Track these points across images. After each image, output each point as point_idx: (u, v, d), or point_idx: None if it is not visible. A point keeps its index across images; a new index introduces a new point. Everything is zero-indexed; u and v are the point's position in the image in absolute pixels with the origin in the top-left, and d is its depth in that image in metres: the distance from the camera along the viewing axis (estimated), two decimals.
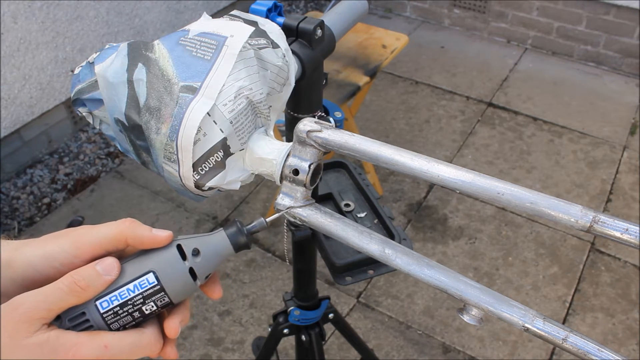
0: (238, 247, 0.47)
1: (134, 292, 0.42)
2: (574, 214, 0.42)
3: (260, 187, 2.33)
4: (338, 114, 0.85)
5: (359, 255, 0.87)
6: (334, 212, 0.52)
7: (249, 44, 0.54)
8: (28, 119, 2.29)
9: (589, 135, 2.58)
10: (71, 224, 2.01)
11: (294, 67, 0.60)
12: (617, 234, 0.40)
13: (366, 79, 1.95)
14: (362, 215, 0.94)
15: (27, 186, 2.31)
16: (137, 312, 0.42)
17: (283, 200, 0.52)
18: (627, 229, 0.40)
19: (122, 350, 0.41)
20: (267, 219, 0.49)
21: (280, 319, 1.15)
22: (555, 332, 0.42)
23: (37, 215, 2.21)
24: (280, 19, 0.65)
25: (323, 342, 1.17)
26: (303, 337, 1.14)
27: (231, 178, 0.55)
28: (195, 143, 0.51)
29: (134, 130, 0.54)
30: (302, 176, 0.51)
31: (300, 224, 0.57)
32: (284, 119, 0.79)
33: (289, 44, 0.63)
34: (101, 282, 0.41)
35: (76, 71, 0.61)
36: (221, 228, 0.47)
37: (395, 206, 2.25)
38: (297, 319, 1.11)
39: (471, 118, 2.69)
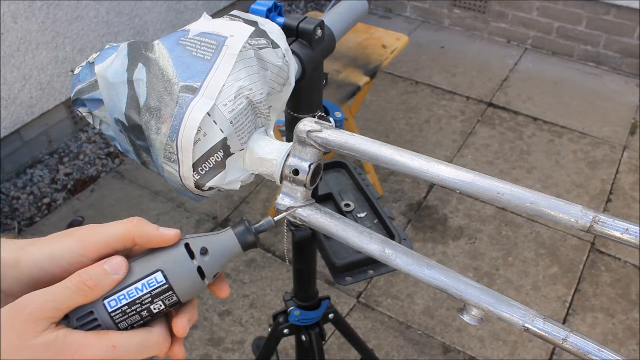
0: (246, 246, 0.46)
1: (142, 290, 0.42)
2: (574, 214, 0.42)
3: (260, 187, 2.33)
4: (338, 114, 0.85)
5: (359, 255, 0.87)
6: (334, 212, 0.52)
7: (249, 44, 0.54)
8: (28, 119, 2.29)
9: (589, 135, 2.58)
10: (71, 224, 2.01)
11: (294, 67, 0.60)
12: (617, 234, 0.40)
13: (366, 79, 1.95)
14: (362, 215, 0.94)
15: (27, 186, 2.31)
16: (145, 311, 0.42)
17: (283, 200, 0.52)
18: (627, 229, 0.40)
19: (130, 350, 0.41)
20: (275, 218, 0.49)
21: (280, 319, 1.15)
22: (555, 332, 0.42)
23: (37, 215, 2.21)
24: (280, 19, 0.65)
25: (323, 342, 1.17)
26: (303, 337, 1.14)
27: (231, 178, 0.55)
28: (195, 143, 0.51)
29: (134, 130, 0.54)
30: (302, 176, 0.51)
31: (300, 224, 0.57)
32: (284, 119, 0.79)
33: (289, 44, 0.63)
34: (109, 281, 0.41)
35: (76, 71, 0.61)
36: (229, 227, 0.47)
37: (395, 206, 2.25)
38: (297, 319, 1.11)
39: (471, 118, 2.69)
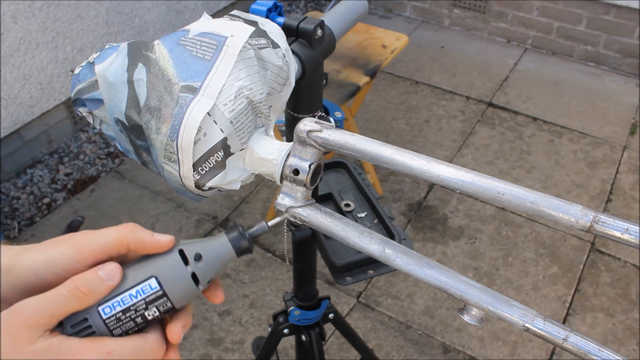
0: (240, 252, 0.46)
1: (136, 297, 0.42)
2: (574, 214, 0.42)
3: (260, 187, 2.33)
4: (338, 114, 0.85)
5: (359, 255, 0.87)
6: (334, 212, 0.52)
7: (249, 44, 0.54)
8: (28, 119, 2.29)
9: (589, 135, 2.59)
10: (71, 224, 2.00)
11: (294, 67, 0.60)
12: (617, 234, 0.40)
13: (366, 79, 1.95)
14: (362, 215, 0.94)
15: (27, 186, 2.31)
16: (140, 318, 0.42)
17: (283, 200, 0.52)
18: (627, 229, 0.40)
19: (125, 357, 0.41)
20: (269, 223, 0.49)
21: (280, 319, 1.15)
22: (555, 332, 0.42)
23: (37, 215, 2.21)
24: (280, 19, 0.65)
25: (323, 342, 1.17)
26: (303, 337, 1.14)
27: (231, 178, 0.55)
28: (195, 143, 0.51)
29: (134, 130, 0.54)
30: (302, 176, 0.51)
31: (300, 224, 0.57)
32: (284, 119, 0.79)
33: (289, 44, 0.63)
34: (103, 288, 0.41)
35: (76, 71, 0.61)
36: (223, 232, 0.47)
37: (395, 206, 2.25)
38: (297, 319, 1.11)
39: (471, 118, 2.69)
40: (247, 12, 0.62)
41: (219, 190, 0.56)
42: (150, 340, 0.42)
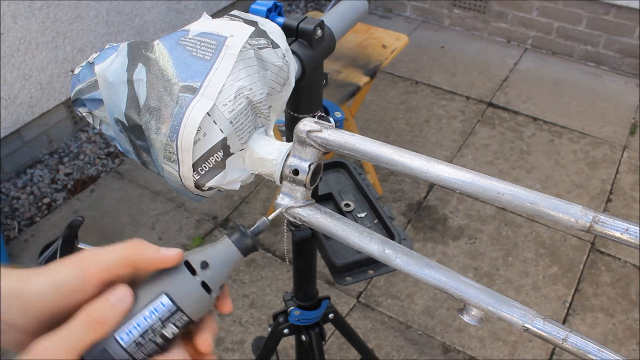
0: (246, 251, 0.46)
1: (151, 318, 0.41)
2: (574, 214, 0.42)
3: (260, 187, 2.33)
4: (338, 114, 0.85)
5: (359, 255, 0.87)
6: (334, 212, 0.52)
7: (249, 44, 0.54)
8: (28, 119, 2.29)
9: (589, 135, 2.58)
10: (71, 224, 2.00)
11: (294, 67, 0.60)
12: (617, 234, 0.40)
13: (366, 79, 1.95)
14: (362, 215, 0.94)
15: (27, 186, 2.31)
16: (160, 338, 0.41)
17: (283, 200, 0.52)
18: (627, 229, 0.40)
19: None
20: (269, 217, 0.49)
21: (280, 319, 1.15)
22: (555, 332, 0.42)
23: (37, 215, 2.21)
24: (280, 19, 0.65)
25: (323, 342, 1.17)
26: (303, 337, 1.14)
27: (231, 178, 0.55)
28: (195, 143, 0.51)
29: (134, 130, 0.54)
30: (302, 176, 0.51)
31: (300, 224, 0.57)
32: (284, 119, 0.79)
33: (289, 44, 0.63)
34: (117, 313, 0.40)
35: (76, 71, 0.61)
36: (225, 236, 0.46)
37: (395, 206, 2.25)
38: (297, 319, 1.11)
39: (471, 118, 2.69)
40: (247, 12, 0.62)
41: (218, 190, 0.56)
42: (173, 356, 0.41)
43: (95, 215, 2.18)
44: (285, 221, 0.88)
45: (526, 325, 0.43)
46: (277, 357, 1.35)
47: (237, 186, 0.56)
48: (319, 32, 0.66)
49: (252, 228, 0.47)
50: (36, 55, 2.21)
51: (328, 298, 1.13)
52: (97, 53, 0.59)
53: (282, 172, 0.52)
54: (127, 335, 0.40)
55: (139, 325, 0.41)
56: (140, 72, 0.53)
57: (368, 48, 2.11)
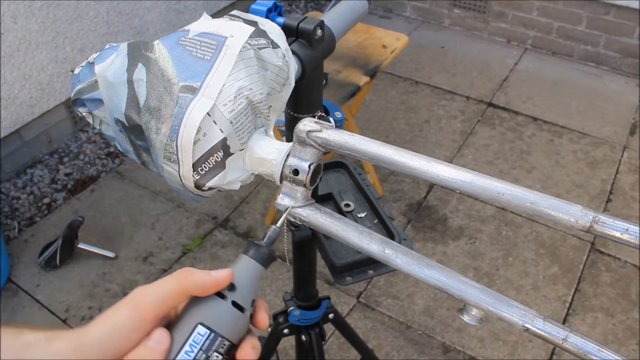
0: (265, 262, 0.47)
1: (193, 351, 0.41)
2: (574, 214, 0.42)
3: (260, 187, 2.33)
4: (338, 114, 0.85)
5: (359, 255, 0.87)
6: (334, 212, 0.52)
7: (249, 44, 0.54)
8: (28, 119, 2.29)
9: (589, 135, 2.58)
10: (71, 224, 2.00)
11: (294, 67, 0.60)
12: (617, 234, 0.40)
13: (366, 79, 1.95)
14: (362, 215, 0.94)
15: (27, 186, 2.31)
16: None
17: (283, 201, 0.52)
18: (627, 229, 0.40)
19: None
20: (277, 225, 0.49)
21: (280, 319, 1.15)
22: (555, 332, 0.42)
23: (37, 215, 2.21)
24: (280, 19, 0.65)
25: (323, 342, 1.17)
26: (303, 337, 1.14)
27: (231, 178, 0.55)
28: (195, 143, 0.51)
29: (134, 130, 0.54)
30: (302, 176, 0.51)
31: (300, 224, 0.57)
32: (284, 119, 0.79)
33: (289, 44, 0.63)
34: (157, 355, 0.40)
35: (76, 71, 0.61)
36: (241, 254, 0.47)
37: (395, 206, 2.25)
38: (297, 319, 1.11)
39: (471, 118, 2.69)
40: (247, 12, 0.62)
41: (218, 190, 0.56)
42: None
43: (95, 215, 2.18)
44: (286, 221, 0.88)
45: (526, 325, 0.43)
46: (277, 357, 1.35)
47: (237, 186, 0.56)
48: (319, 32, 0.66)
49: (265, 239, 0.48)
50: (36, 55, 2.21)
51: (328, 298, 1.13)
52: (97, 53, 0.59)
53: (282, 172, 0.52)
54: None
55: None
56: (140, 72, 0.53)
57: (368, 48, 2.11)
